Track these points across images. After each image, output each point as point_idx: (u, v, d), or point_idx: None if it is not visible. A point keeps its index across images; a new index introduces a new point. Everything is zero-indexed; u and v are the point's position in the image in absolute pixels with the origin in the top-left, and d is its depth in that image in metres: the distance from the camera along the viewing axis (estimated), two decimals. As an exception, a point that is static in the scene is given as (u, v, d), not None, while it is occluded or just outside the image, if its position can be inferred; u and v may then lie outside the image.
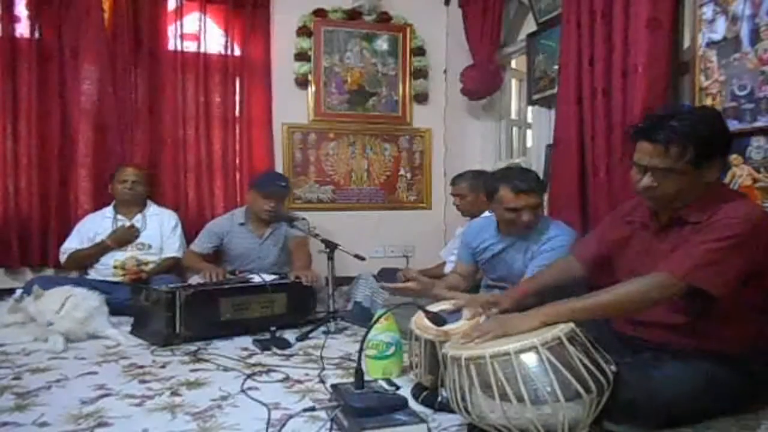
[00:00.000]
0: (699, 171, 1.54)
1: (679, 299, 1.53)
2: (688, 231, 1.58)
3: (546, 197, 3.38)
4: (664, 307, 1.60)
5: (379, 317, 1.85)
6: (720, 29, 2.30)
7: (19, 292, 2.86)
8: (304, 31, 4.01)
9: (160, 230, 3.39)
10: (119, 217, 3.36)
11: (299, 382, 1.97)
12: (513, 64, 4.30)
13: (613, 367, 1.41)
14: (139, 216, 3.38)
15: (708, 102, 2.35)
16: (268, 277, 2.88)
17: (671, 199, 1.59)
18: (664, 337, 1.63)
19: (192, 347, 2.43)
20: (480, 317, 1.78)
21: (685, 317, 1.59)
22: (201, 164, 3.81)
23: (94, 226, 3.34)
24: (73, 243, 3.32)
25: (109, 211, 3.39)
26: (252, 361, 2.24)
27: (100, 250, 3.24)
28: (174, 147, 3.74)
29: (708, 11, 2.35)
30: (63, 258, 3.32)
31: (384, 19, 4.16)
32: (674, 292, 1.48)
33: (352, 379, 1.62)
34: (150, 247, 3.33)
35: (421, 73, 4.24)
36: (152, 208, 3.46)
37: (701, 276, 1.46)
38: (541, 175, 3.53)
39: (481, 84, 4.00)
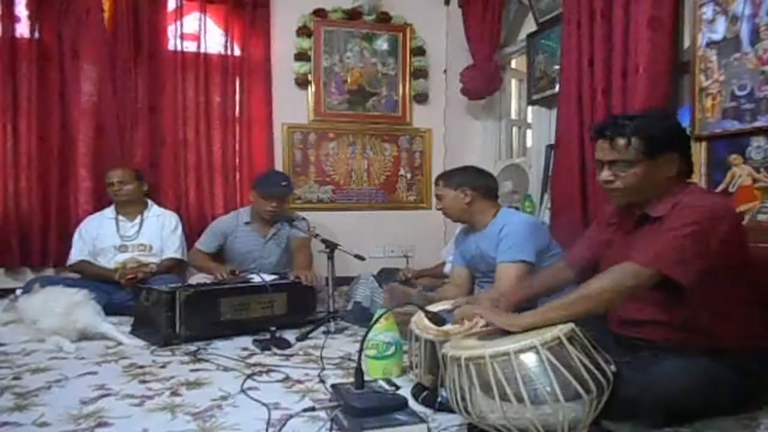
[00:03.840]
0: (653, 163, 1.62)
1: (655, 292, 1.54)
2: (657, 225, 1.62)
3: (547, 196, 3.40)
4: (657, 305, 1.61)
5: (379, 317, 1.85)
6: (720, 29, 2.30)
7: (18, 291, 2.86)
8: (304, 31, 4.01)
9: (160, 232, 3.38)
10: (121, 218, 3.35)
11: (299, 382, 1.97)
12: (513, 64, 4.30)
13: (612, 367, 1.41)
14: (138, 218, 3.37)
15: (708, 102, 2.35)
16: (268, 277, 2.88)
17: (632, 191, 1.66)
18: (660, 334, 1.64)
19: (192, 347, 2.43)
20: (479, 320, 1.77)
21: (678, 313, 1.60)
22: (201, 164, 3.81)
23: (94, 227, 3.32)
24: (79, 252, 3.27)
25: (110, 212, 3.37)
26: (252, 361, 2.24)
27: (105, 276, 3.16)
28: (174, 147, 3.74)
29: (708, 11, 2.35)
30: (70, 265, 3.29)
31: (384, 19, 4.16)
32: (643, 281, 1.49)
33: (352, 379, 1.62)
34: (151, 248, 3.33)
35: (420, 73, 4.24)
36: (153, 209, 3.44)
37: (664, 263, 1.48)
38: (541, 175, 3.55)
39: (481, 84, 4.01)
